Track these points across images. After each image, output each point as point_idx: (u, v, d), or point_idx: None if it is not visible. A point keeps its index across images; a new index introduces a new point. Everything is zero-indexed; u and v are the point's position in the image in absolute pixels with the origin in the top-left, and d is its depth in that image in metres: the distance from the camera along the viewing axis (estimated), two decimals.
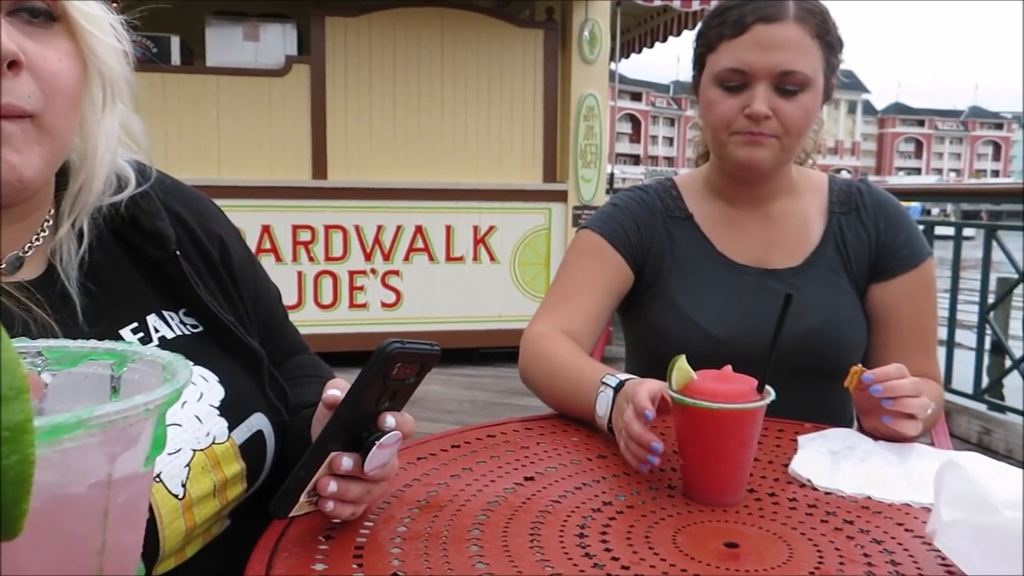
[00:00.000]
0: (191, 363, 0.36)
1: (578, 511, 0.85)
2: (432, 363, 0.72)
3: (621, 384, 1.03)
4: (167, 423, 0.34)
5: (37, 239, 0.78)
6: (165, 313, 0.85)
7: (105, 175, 0.79)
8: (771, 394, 0.87)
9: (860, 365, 1.04)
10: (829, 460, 1.00)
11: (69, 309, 0.76)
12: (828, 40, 1.26)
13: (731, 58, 1.24)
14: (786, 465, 1.00)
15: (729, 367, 0.92)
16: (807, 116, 1.26)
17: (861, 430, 1.13)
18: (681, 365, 0.88)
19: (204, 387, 0.81)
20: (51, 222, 0.80)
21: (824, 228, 1.38)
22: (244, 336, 0.88)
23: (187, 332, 0.85)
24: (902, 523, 0.84)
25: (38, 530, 0.27)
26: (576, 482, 0.93)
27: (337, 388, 0.76)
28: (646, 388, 0.94)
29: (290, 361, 1.05)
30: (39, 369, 0.38)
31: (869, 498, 0.90)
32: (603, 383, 1.06)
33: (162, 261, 0.85)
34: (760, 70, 1.22)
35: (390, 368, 0.69)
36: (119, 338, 0.80)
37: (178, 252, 0.86)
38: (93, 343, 0.37)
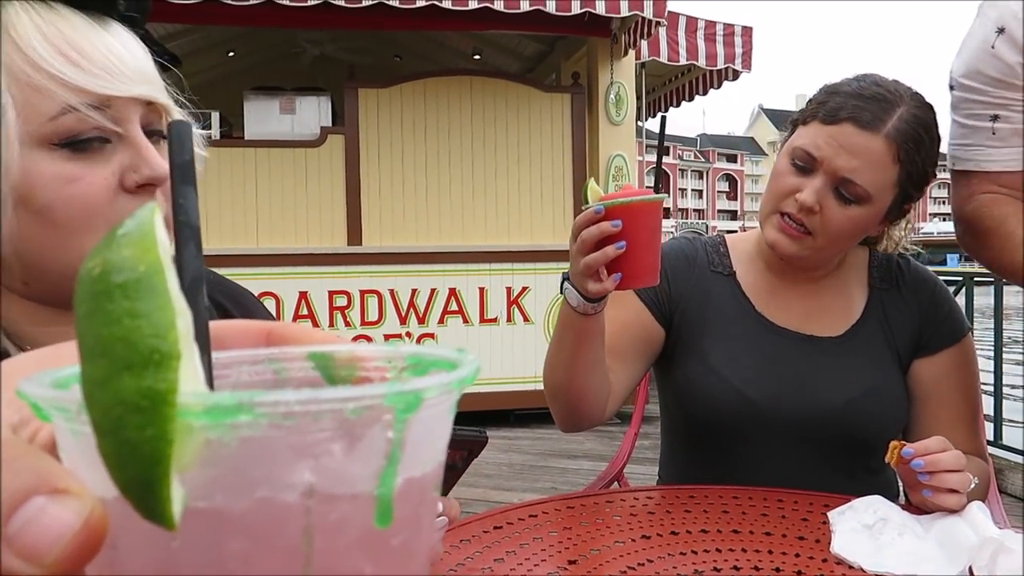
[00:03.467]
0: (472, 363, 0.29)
1: None
2: (479, 449, 0.73)
3: (566, 274, 1.17)
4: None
5: None
6: None
7: None
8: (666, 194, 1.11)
9: (900, 439, 1.02)
10: (868, 538, 0.98)
11: None
12: (911, 169, 1.22)
13: (810, 140, 1.23)
14: (817, 541, 0.98)
15: (628, 185, 1.14)
16: (853, 227, 1.24)
17: (908, 503, 1.10)
18: (593, 185, 1.11)
19: None
20: None
21: (866, 302, 1.37)
22: None
23: None
24: None
25: (225, 531, 0.23)
26: (621, 565, 0.93)
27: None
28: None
29: None
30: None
31: None
32: (563, 290, 1.19)
33: None
34: (827, 164, 1.20)
35: None
36: None
37: None
38: (445, 353, 0.31)
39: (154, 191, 0.71)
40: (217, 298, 0.94)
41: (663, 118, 1.21)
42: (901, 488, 1.35)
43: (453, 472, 0.73)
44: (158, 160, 0.71)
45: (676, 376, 1.38)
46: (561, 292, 1.19)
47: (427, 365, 0.31)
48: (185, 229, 0.29)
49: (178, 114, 0.77)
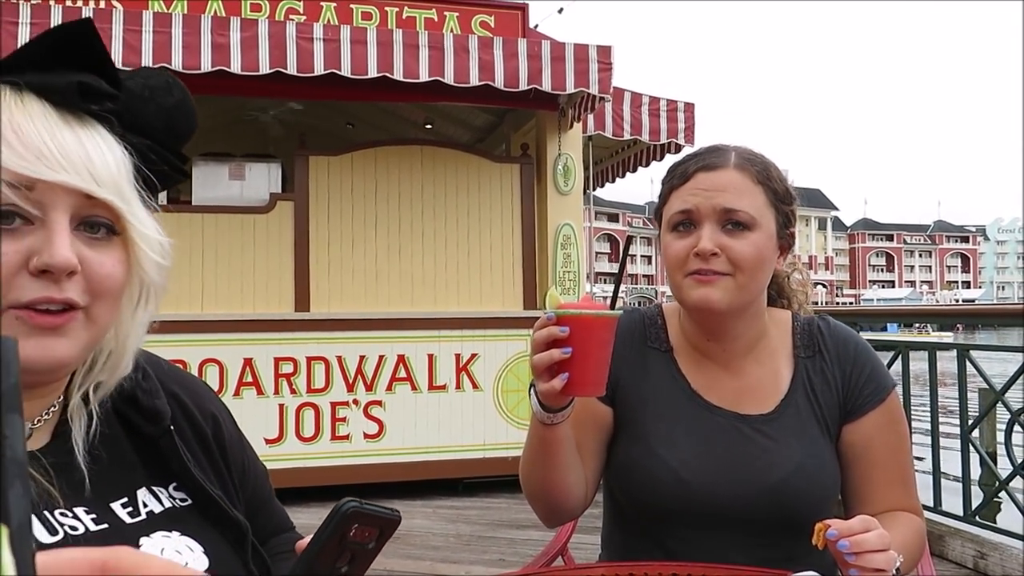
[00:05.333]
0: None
1: None
2: (391, 530, 0.72)
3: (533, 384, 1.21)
4: None
5: (47, 413, 0.82)
6: (155, 488, 0.87)
7: (128, 362, 0.85)
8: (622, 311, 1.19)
9: (825, 521, 1.04)
10: None
11: (75, 480, 0.79)
12: (772, 187, 1.34)
13: (678, 203, 1.33)
14: None
15: (587, 296, 1.21)
16: (757, 253, 1.30)
17: None
18: (553, 293, 1.18)
19: (189, 557, 0.82)
20: (61, 397, 0.84)
21: (792, 374, 1.39)
22: (230, 508, 0.90)
23: (175, 505, 0.87)
24: None
25: None
26: None
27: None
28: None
29: (275, 539, 1.06)
30: None
31: None
32: (529, 396, 1.24)
33: (156, 436, 0.89)
34: (704, 209, 1.30)
35: (347, 528, 0.68)
36: (110, 511, 0.81)
37: (172, 427, 0.90)
38: None
39: (57, 277, 0.73)
40: (171, 388, 0.96)
41: (628, 238, 1.29)
42: None
43: (365, 552, 0.72)
44: (60, 250, 0.72)
45: (617, 454, 1.39)
46: (528, 397, 1.24)
47: None
48: (12, 466, 0.28)
49: (126, 212, 0.78)
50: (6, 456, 0.28)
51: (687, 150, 6.17)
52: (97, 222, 0.77)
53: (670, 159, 6.33)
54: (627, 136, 5.95)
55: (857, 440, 1.36)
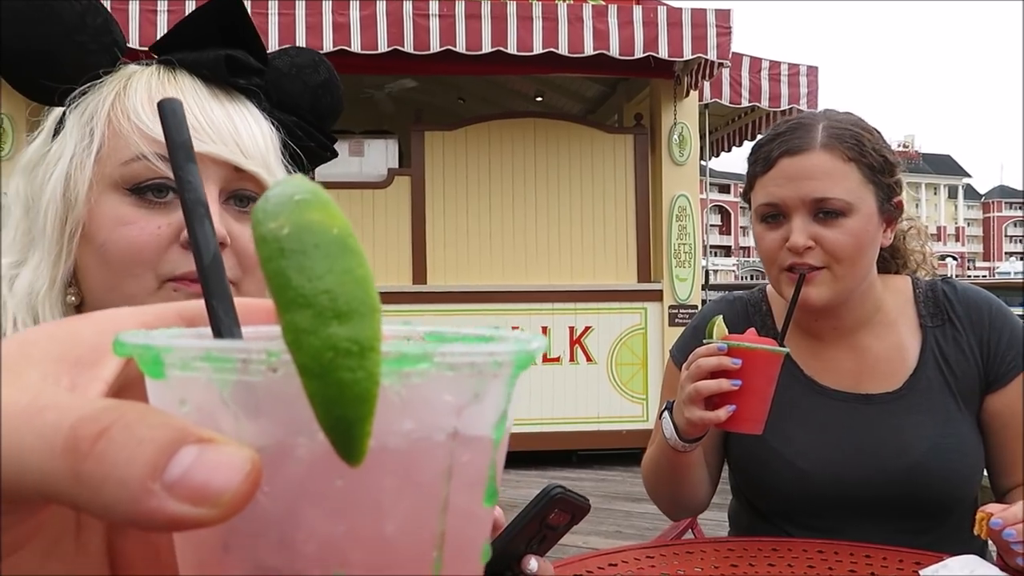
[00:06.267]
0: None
1: None
2: (581, 517, 0.77)
3: (670, 404, 1.19)
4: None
5: None
6: None
7: None
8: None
9: (986, 509, 0.99)
10: None
11: None
12: (867, 162, 1.21)
13: (764, 193, 1.23)
14: None
15: (753, 331, 1.16)
16: (855, 241, 1.20)
17: (1004, 564, 1.06)
18: (719, 322, 1.14)
19: None
20: None
21: (920, 346, 1.29)
22: None
23: None
24: None
25: (386, 468, 0.25)
26: None
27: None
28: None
29: None
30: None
31: None
32: (660, 418, 1.21)
33: None
34: (792, 201, 1.20)
35: (549, 511, 0.73)
36: None
37: None
38: (468, 329, 0.32)
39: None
40: None
41: (801, 276, 1.19)
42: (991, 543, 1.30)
43: (555, 535, 0.76)
44: (216, 224, 0.74)
45: (732, 449, 1.35)
46: (659, 418, 1.23)
47: (450, 340, 0.30)
48: (198, 207, 0.30)
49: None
50: (191, 198, 0.30)
51: None
52: (245, 195, 0.79)
53: None
54: (745, 103, 5.75)
55: (1003, 409, 1.25)
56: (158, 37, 0.82)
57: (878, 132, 1.27)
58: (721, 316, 1.17)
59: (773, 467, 1.27)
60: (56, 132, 0.80)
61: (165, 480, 0.22)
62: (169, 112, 0.31)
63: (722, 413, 1.08)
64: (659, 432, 1.23)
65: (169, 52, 0.80)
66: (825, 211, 1.19)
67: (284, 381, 0.24)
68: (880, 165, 1.23)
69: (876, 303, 1.30)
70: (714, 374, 1.09)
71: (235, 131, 0.77)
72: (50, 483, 0.22)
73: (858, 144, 1.21)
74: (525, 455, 4.91)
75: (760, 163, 1.25)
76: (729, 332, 1.27)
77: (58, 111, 0.80)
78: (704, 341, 1.13)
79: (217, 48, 0.81)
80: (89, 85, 0.79)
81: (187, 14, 0.83)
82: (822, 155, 1.20)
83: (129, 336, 0.26)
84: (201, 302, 0.30)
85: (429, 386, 0.25)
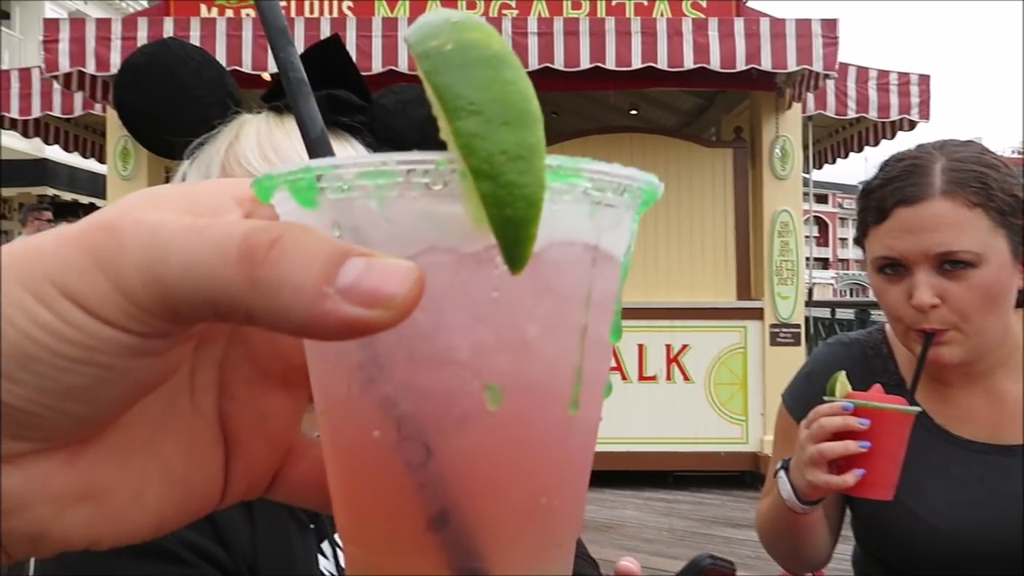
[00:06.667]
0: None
1: None
2: None
3: (787, 462, 1.12)
4: None
5: None
6: None
7: None
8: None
9: None
10: None
11: None
12: (995, 205, 1.08)
13: (881, 246, 1.12)
14: None
15: (879, 387, 1.07)
16: (986, 295, 1.08)
17: None
18: (842, 378, 1.08)
19: None
20: None
21: None
22: None
23: None
24: None
25: (538, 277, 0.26)
26: None
27: (629, 562, 0.80)
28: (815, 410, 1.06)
29: None
30: None
31: None
32: (776, 476, 1.14)
33: None
34: (912, 255, 1.08)
35: None
36: None
37: None
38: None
39: None
40: None
41: (928, 336, 1.09)
42: None
43: None
44: None
45: (857, 506, 1.25)
46: (775, 477, 1.16)
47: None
48: (301, 85, 0.31)
49: None
50: (294, 77, 0.31)
51: (922, 128, 5.65)
52: (958, 259, 0.86)
53: (904, 138, 5.83)
54: (852, 114, 5.54)
55: None
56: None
57: (1004, 165, 1.13)
58: (844, 373, 1.09)
59: (904, 525, 1.16)
60: (182, 181, 0.85)
61: (338, 285, 0.22)
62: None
63: (850, 478, 1.01)
64: (774, 489, 1.15)
65: (277, 98, 0.85)
66: (951, 262, 1.07)
67: (440, 195, 0.25)
68: (1010, 206, 1.10)
69: (1015, 343, 1.19)
70: (838, 435, 1.02)
71: None
72: (225, 292, 0.22)
73: (983, 186, 1.08)
74: (621, 474, 4.85)
75: (873, 212, 1.13)
76: (849, 381, 1.17)
77: (183, 167, 0.86)
78: (825, 398, 1.06)
79: (319, 87, 0.84)
80: (206, 137, 0.84)
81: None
82: (943, 203, 1.07)
83: (276, 170, 0.27)
84: None
85: (577, 202, 0.26)
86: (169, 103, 0.82)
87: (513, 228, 0.24)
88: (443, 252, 0.25)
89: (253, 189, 0.28)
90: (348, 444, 0.28)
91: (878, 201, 1.12)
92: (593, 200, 0.27)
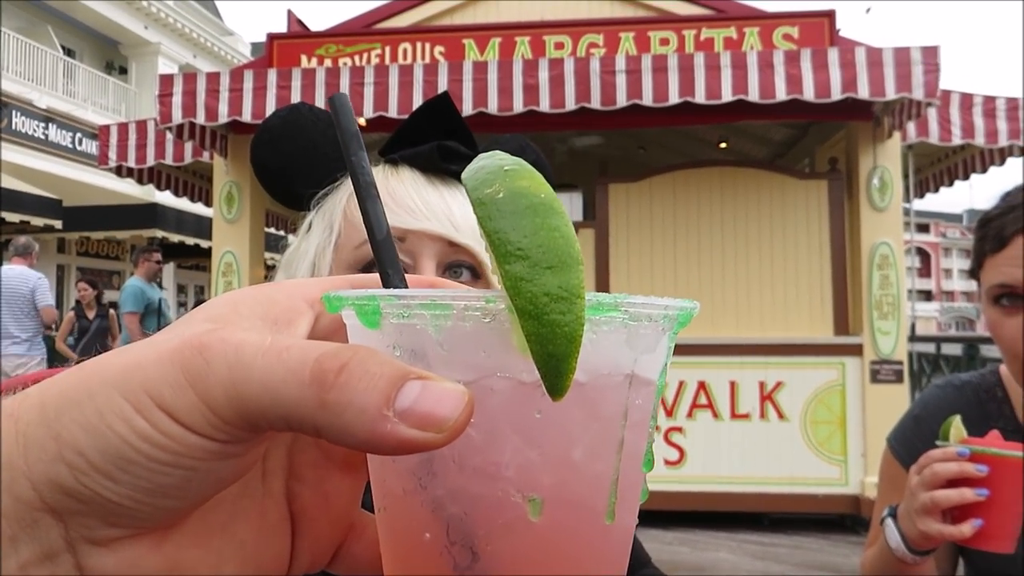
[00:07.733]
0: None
1: None
2: None
3: (894, 509, 1.07)
4: None
5: None
6: None
7: None
8: None
9: None
10: None
11: None
12: None
13: (998, 273, 1.08)
14: None
15: (996, 433, 1.01)
16: None
17: None
18: (957, 423, 1.02)
19: None
20: None
21: None
22: None
23: None
24: None
25: (577, 402, 0.28)
26: None
27: None
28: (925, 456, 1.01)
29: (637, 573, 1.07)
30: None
31: None
32: (882, 523, 1.09)
33: None
34: None
35: None
36: None
37: None
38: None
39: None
40: None
41: None
42: None
43: None
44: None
45: (972, 560, 1.20)
46: (881, 525, 1.12)
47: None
48: (370, 188, 0.34)
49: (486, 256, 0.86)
50: (364, 181, 0.34)
51: None
52: (460, 265, 0.87)
53: (1014, 164, 5.55)
54: (956, 141, 5.32)
55: None
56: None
57: None
58: (959, 417, 1.03)
59: None
60: (308, 229, 0.93)
61: (397, 408, 0.25)
62: (339, 105, 0.35)
63: (967, 529, 0.96)
64: (881, 537, 1.10)
65: (393, 151, 0.92)
66: None
67: (491, 327, 0.28)
68: None
69: None
70: (952, 482, 0.97)
71: (448, 211, 0.87)
72: (297, 410, 0.25)
73: None
74: (713, 515, 4.72)
75: (991, 241, 1.11)
76: (963, 425, 1.13)
77: (310, 216, 0.93)
78: (937, 443, 1.01)
79: (431, 139, 0.92)
80: (329, 188, 0.92)
81: (409, 115, 0.95)
82: None
83: (344, 292, 0.30)
84: (369, 276, 0.35)
85: (615, 333, 0.29)
86: (299, 160, 0.91)
87: (555, 362, 0.26)
88: (494, 379, 0.28)
89: (323, 303, 0.31)
90: (401, 541, 0.31)
91: (997, 230, 1.10)
92: (631, 330, 0.30)
